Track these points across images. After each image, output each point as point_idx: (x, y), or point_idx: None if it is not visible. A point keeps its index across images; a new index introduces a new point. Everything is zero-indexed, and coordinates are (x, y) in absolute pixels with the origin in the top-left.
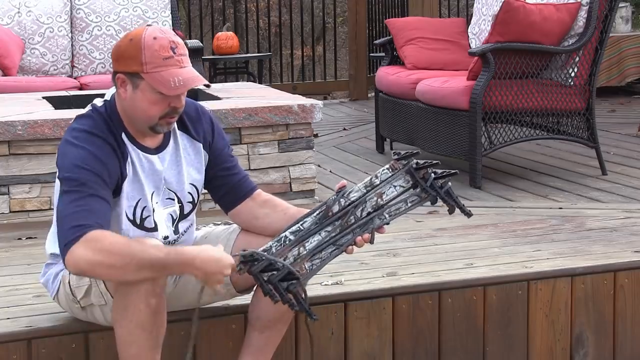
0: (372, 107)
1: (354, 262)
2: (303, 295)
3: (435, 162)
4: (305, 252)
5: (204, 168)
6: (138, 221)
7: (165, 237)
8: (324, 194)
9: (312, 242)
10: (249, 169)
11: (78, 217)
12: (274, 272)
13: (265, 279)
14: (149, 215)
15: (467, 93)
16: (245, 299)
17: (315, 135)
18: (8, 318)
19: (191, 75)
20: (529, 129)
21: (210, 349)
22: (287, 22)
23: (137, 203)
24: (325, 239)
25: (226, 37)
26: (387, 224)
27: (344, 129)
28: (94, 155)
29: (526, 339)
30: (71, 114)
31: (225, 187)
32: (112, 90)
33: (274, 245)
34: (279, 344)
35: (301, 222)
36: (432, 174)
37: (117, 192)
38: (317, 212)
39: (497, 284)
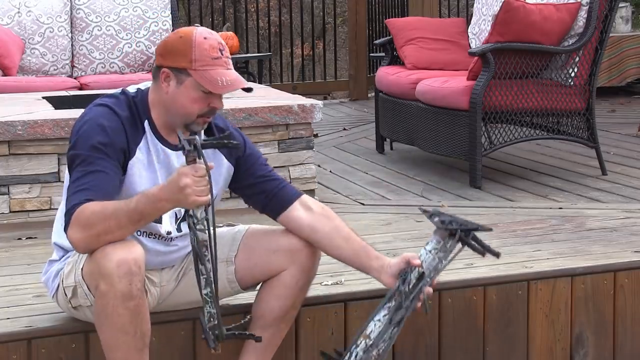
0: (372, 107)
1: None
2: None
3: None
4: (371, 342)
5: (222, 179)
6: None
7: (169, 233)
8: (324, 194)
9: (374, 331)
10: None
11: (72, 199)
12: None
13: None
14: None
15: (467, 93)
16: (247, 298)
17: (315, 135)
18: (8, 318)
19: (236, 77)
20: (529, 129)
21: (210, 349)
22: (287, 22)
23: None
24: (384, 323)
25: (226, 37)
26: (430, 285)
27: (344, 129)
28: (100, 127)
29: (526, 339)
30: (71, 114)
31: (265, 194)
32: (147, 83)
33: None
34: (279, 345)
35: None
36: (459, 231)
37: (123, 169)
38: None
39: (497, 284)
